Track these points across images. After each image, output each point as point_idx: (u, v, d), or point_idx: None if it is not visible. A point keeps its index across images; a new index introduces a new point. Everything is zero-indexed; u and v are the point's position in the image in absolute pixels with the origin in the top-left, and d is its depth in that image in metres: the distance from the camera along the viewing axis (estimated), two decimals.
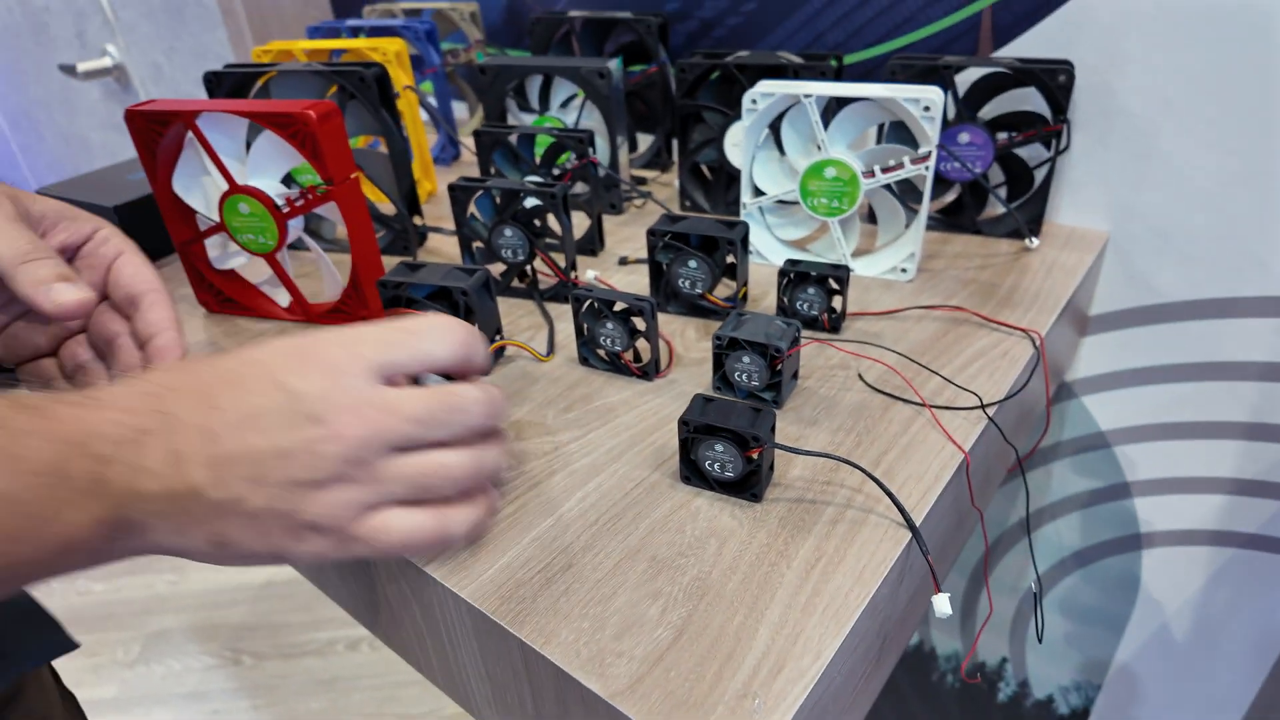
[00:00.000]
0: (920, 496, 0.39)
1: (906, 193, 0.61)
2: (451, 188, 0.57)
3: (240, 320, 0.60)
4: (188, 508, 0.29)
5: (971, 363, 0.49)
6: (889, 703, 1.11)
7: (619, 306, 0.48)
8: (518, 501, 0.40)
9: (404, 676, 1.37)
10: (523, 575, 0.36)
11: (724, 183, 0.71)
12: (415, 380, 0.34)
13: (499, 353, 0.53)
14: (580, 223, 0.68)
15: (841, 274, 0.51)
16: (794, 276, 0.52)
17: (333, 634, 1.46)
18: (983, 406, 0.45)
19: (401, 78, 0.75)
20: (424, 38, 0.86)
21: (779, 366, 0.44)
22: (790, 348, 0.44)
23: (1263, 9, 0.54)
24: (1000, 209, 0.66)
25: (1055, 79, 0.59)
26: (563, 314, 0.57)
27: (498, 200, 0.57)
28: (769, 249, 0.63)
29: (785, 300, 0.53)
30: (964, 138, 0.62)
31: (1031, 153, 0.64)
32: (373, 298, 0.56)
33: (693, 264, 0.53)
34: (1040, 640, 0.87)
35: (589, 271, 0.62)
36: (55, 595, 1.54)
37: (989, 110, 0.63)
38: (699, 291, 0.54)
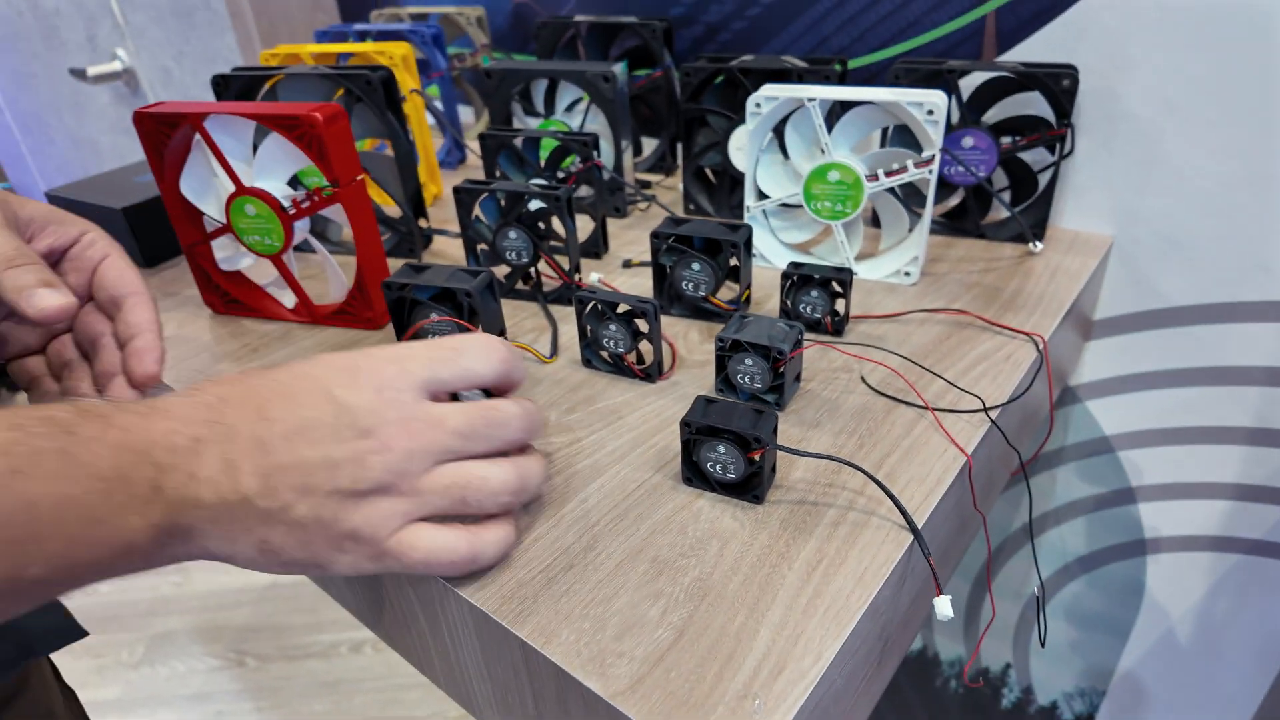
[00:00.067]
0: (922, 499, 0.39)
1: (910, 196, 0.61)
2: (456, 190, 0.58)
3: (246, 321, 0.60)
4: (238, 515, 0.30)
5: (974, 366, 0.49)
6: (892, 707, 1.10)
7: (622, 308, 0.48)
8: None
9: (407, 679, 1.37)
10: (524, 575, 0.36)
11: (728, 186, 0.71)
12: (454, 396, 0.35)
13: None
14: (584, 226, 0.68)
15: (844, 277, 0.51)
16: (797, 279, 0.52)
17: (336, 636, 1.46)
18: (985, 410, 0.45)
19: (408, 81, 0.76)
20: (430, 42, 0.86)
21: (781, 369, 0.44)
22: (793, 350, 0.44)
23: (1267, 13, 0.54)
24: (1004, 213, 0.66)
25: (1059, 83, 0.59)
26: (566, 316, 0.58)
27: (502, 203, 0.57)
28: (772, 252, 0.63)
29: (788, 303, 0.53)
30: (968, 142, 0.62)
31: (1035, 157, 0.64)
32: (377, 299, 0.57)
33: (696, 266, 0.53)
34: (1043, 644, 0.87)
35: (593, 274, 0.63)
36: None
37: (993, 114, 0.63)
38: (702, 294, 0.54)
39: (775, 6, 0.76)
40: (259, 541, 0.31)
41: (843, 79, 0.66)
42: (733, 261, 0.53)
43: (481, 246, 0.60)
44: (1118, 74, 0.61)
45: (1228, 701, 0.79)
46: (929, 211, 0.57)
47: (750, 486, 0.39)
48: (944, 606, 0.36)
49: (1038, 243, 0.63)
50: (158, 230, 0.70)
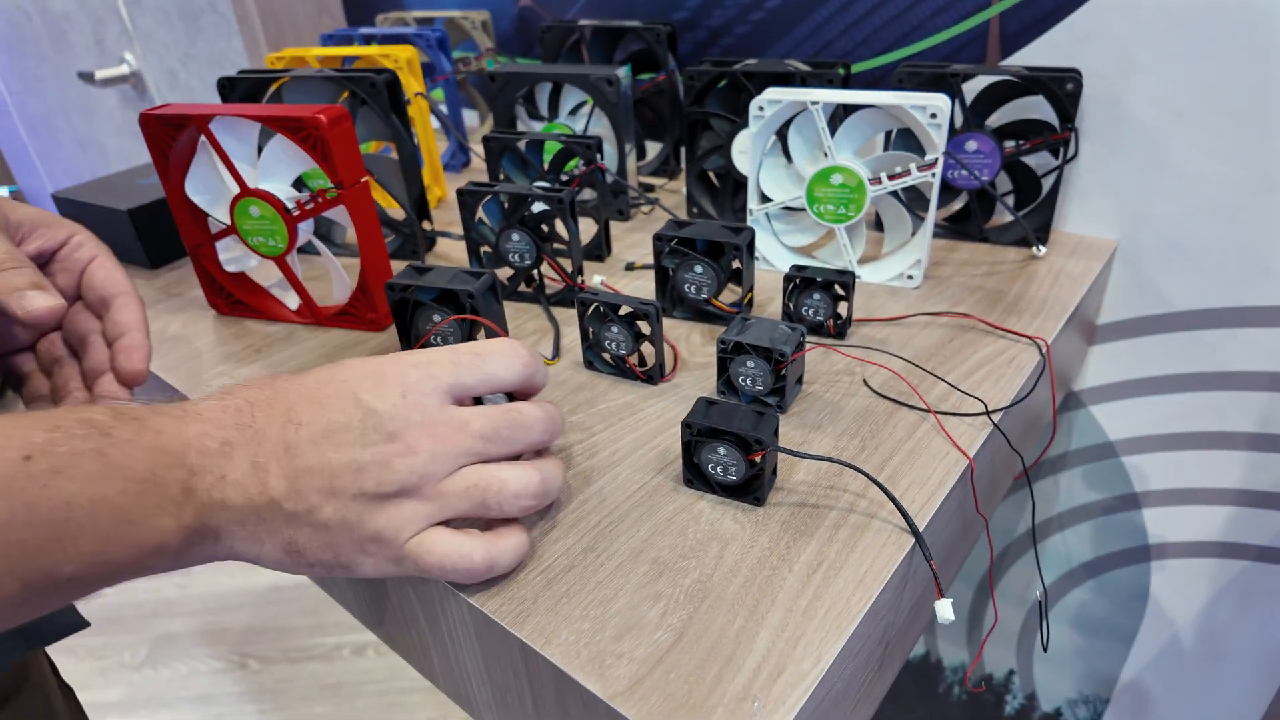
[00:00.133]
0: (924, 502, 0.39)
1: (913, 200, 0.61)
2: (460, 192, 0.58)
3: (249, 322, 0.60)
4: (265, 517, 0.31)
5: (977, 369, 0.49)
6: (895, 712, 1.10)
7: (624, 310, 0.48)
8: None
9: (409, 682, 1.37)
10: (524, 576, 0.36)
11: (731, 190, 0.71)
12: (477, 400, 0.36)
13: None
14: (587, 228, 0.68)
15: (847, 279, 0.51)
16: (799, 282, 0.52)
17: (339, 639, 1.46)
18: (988, 413, 0.45)
19: (412, 84, 0.76)
20: (435, 45, 0.87)
21: (783, 371, 0.44)
22: (794, 352, 0.44)
23: (1272, 18, 0.54)
24: (1007, 217, 0.66)
25: (1063, 87, 0.59)
26: (569, 318, 0.58)
27: (505, 205, 0.57)
28: (775, 255, 0.63)
29: (791, 306, 0.53)
30: (971, 145, 0.62)
31: (1039, 161, 0.64)
32: (380, 301, 0.57)
33: (698, 269, 0.53)
34: (1045, 649, 0.87)
35: (595, 276, 0.63)
36: None
37: (996, 118, 0.63)
38: (704, 296, 0.54)
39: (779, 11, 0.76)
40: (285, 543, 0.31)
41: (846, 83, 0.66)
42: (735, 264, 0.53)
43: (484, 249, 0.60)
44: (1122, 78, 0.61)
45: (1232, 709, 0.78)
46: (932, 215, 0.57)
47: (751, 488, 0.39)
48: (945, 610, 0.36)
49: (1041, 247, 0.63)
50: (163, 232, 0.70)
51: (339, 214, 0.54)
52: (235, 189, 0.54)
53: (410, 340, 0.51)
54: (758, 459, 0.38)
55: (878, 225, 0.67)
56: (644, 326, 0.48)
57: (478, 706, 0.41)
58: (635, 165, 0.78)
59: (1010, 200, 0.65)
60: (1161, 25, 0.58)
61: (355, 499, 0.31)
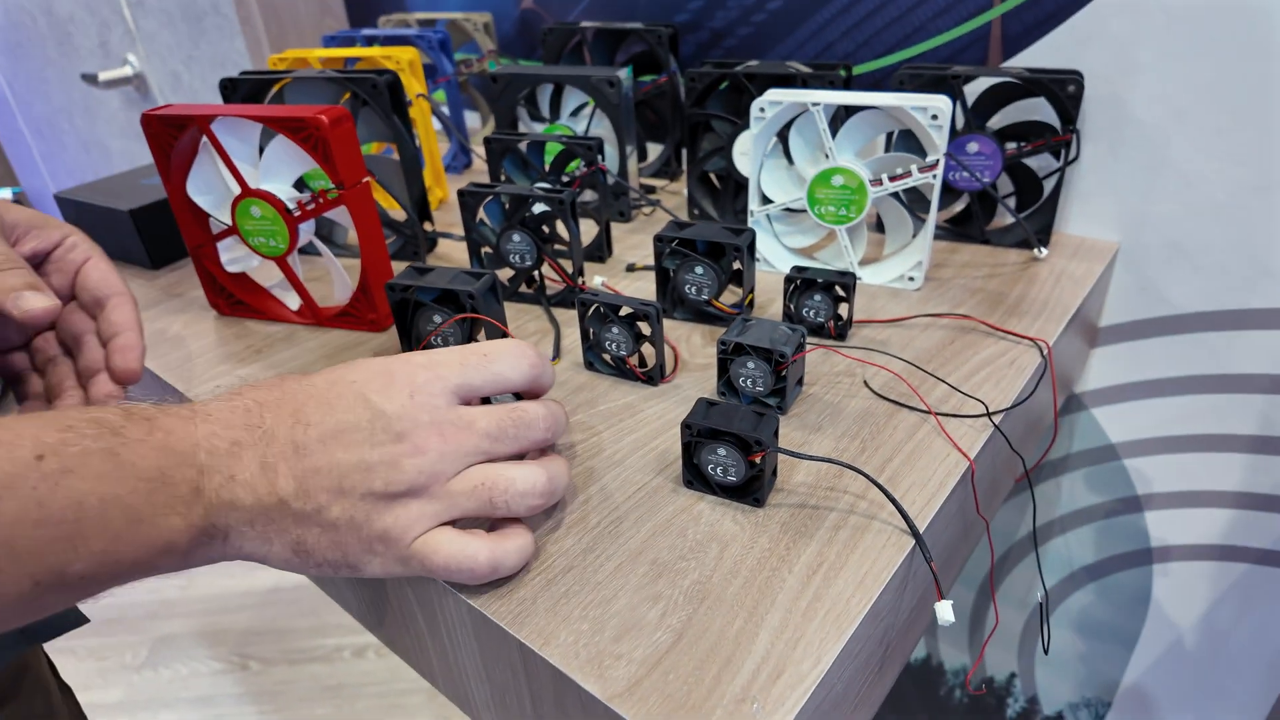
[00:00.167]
0: (924, 503, 0.39)
1: (915, 202, 0.61)
2: (461, 193, 0.58)
3: (250, 323, 0.60)
4: (274, 516, 0.31)
5: (978, 371, 0.49)
6: (896, 715, 1.10)
7: (625, 311, 0.48)
8: None
9: (409, 684, 1.37)
10: (523, 576, 0.36)
11: (732, 191, 0.71)
12: (485, 401, 0.36)
13: None
14: (589, 230, 0.68)
15: (848, 281, 0.51)
16: (800, 283, 0.52)
17: (339, 640, 1.46)
18: (989, 414, 0.45)
19: (414, 86, 0.76)
20: (437, 47, 0.87)
21: (783, 372, 0.44)
22: (795, 353, 0.44)
23: (1272, 17, 0.54)
24: (1009, 219, 0.66)
25: (1064, 89, 0.59)
26: (569, 319, 0.58)
27: (506, 206, 0.57)
28: (776, 257, 0.63)
29: (791, 307, 0.53)
30: (972, 147, 0.62)
31: (1041, 163, 0.64)
32: (381, 301, 0.57)
33: (699, 270, 0.53)
34: (1046, 651, 0.86)
35: (596, 277, 0.63)
36: None
37: (998, 120, 0.63)
38: (705, 298, 0.54)
39: (780, 13, 0.76)
40: (293, 542, 0.32)
41: (848, 84, 0.66)
42: (736, 265, 0.53)
43: (485, 249, 0.60)
44: (1124, 80, 0.61)
45: (1235, 713, 0.78)
46: (933, 216, 0.57)
47: (751, 489, 0.39)
48: (945, 611, 0.35)
49: (1043, 248, 0.63)
50: (164, 232, 0.70)
51: (340, 215, 0.54)
52: (237, 189, 0.54)
53: (411, 341, 0.51)
54: (758, 460, 0.38)
55: (879, 227, 0.67)
56: (644, 327, 0.48)
57: (476, 707, 0.41)
58: (636, 167, 0.78)
59: (1011, 202, 0.65)
60: (1161, 25, 0.58)
61: (364, 499, 0.32)
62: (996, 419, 0.44)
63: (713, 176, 0.73)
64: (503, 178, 0.69)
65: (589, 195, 0.69)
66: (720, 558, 0.36)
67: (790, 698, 0.30)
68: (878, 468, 0.41)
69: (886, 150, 0.64)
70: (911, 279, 0.59)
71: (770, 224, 0.63)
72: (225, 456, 0.30)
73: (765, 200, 0.62)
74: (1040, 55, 0.64)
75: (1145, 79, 0.60)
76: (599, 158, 0.64)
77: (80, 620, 0.47)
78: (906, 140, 0.59)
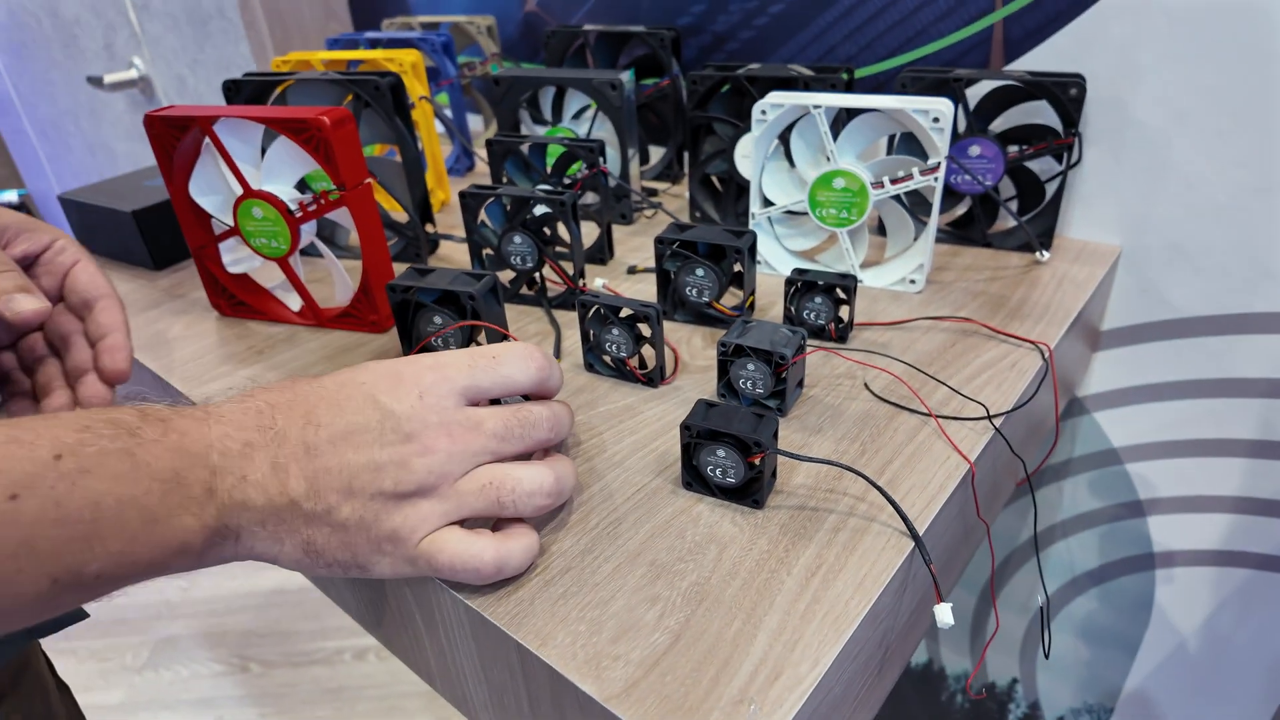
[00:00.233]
0: (924, 506, 0.39)
1: (916, 205, 0.61)
2: (462, 195, 0.58)
3: (251, 323, 0.61)
4: (285, 517, 0.31)
5: (979, 374, 0.49)
6: (897, 719, 1.09)
7: (625, 313, 0.48)
8: None
9: (409, 687, 1.37)
10: (521, 577, 0.35)
11: (734, 194, 0.71)
12: (495, 402, 0.37)
13: None
14: (590, 232, 0.68)
15: (849, 283, 0.51)
16: (801, 286, 0.52)
17: (340, 643, 1.46)
18: (989, 417, 0.45)
19: (417, 88, 0.76)
20: (440, 50, 0.87)
21: (783, 374, 0.44)
22: (795, 355, 0.43)
23: (1273, 19, 0.54)
24: (1011, 222, 0.66)
25: (1066, 92, 0.58)
26: (570, 321, 0.58)
27: (508, 207, 0.58)
28: (777, 259, 0.63)
29: (792, 309, 0.53)
30: (974, 150, 0.62)
31: (1043, 166, 0.64)
32: (382, 302, 0.57)
33: (700, 272, 0.53)
34: (1046, 656, 0.86)
35: (597, 279, 0.63)
36: None
37: (1000, 123, 0.63)
38: (706, 300, 0.54)
39: (782, 16, 0.77)
40: (304, 543, 0.32)
41: (849, 87, 0.66)
42: (737, 267, 0.53)
43: (487, 251, 0.60)
44: (1126, 83, 0.61)
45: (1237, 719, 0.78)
46: (934, 219, 0.57)
47: (750, 491, 0.39)
48: (944, 614, 0.35)
49: (1044, 252, 0.63)
50: (167, 233, 0.70)
51: (342, 216, 0.54)
52: (239, 190, 0.54)
53: (412, 342, 0.51)
54: (757, 461, 0.37)
55: (880, 230, 0.67)
56: (644, 329, 0.48)
57: (474, 708, 0.41)
58: (638, 169, 0.78)
59: (1013, 205, 0.65)
60: (1163, 29, 0.58)
61: (373, 498, 0.32)
62: (997, 422, 0.44)
63: (714, 179, 0.73)
64: (505, 180, 0.69)
65: (591, 198, 0.69)
66: (719, 559, 0.36)
67: (788, 699, 0.30)
68: (877, 470, 0.41)
69: (888, 153, 0.64)
70: (913, 282, 0.59)
71: (772, 226, 0.63)
72: (238, 457, 0.31)
73: (767, 203, 0.62)
74: (1042, 59, 0.64)
75: (1147, 82, 0.60)
76: (600, 160, 0.64)
77: (81, 615, 0.47)
78: (908, 143, 0.59)
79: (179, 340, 0.59)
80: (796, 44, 0.77)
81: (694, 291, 0.54)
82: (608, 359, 0.50)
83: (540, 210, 0.57)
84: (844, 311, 0.52)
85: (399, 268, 0.65)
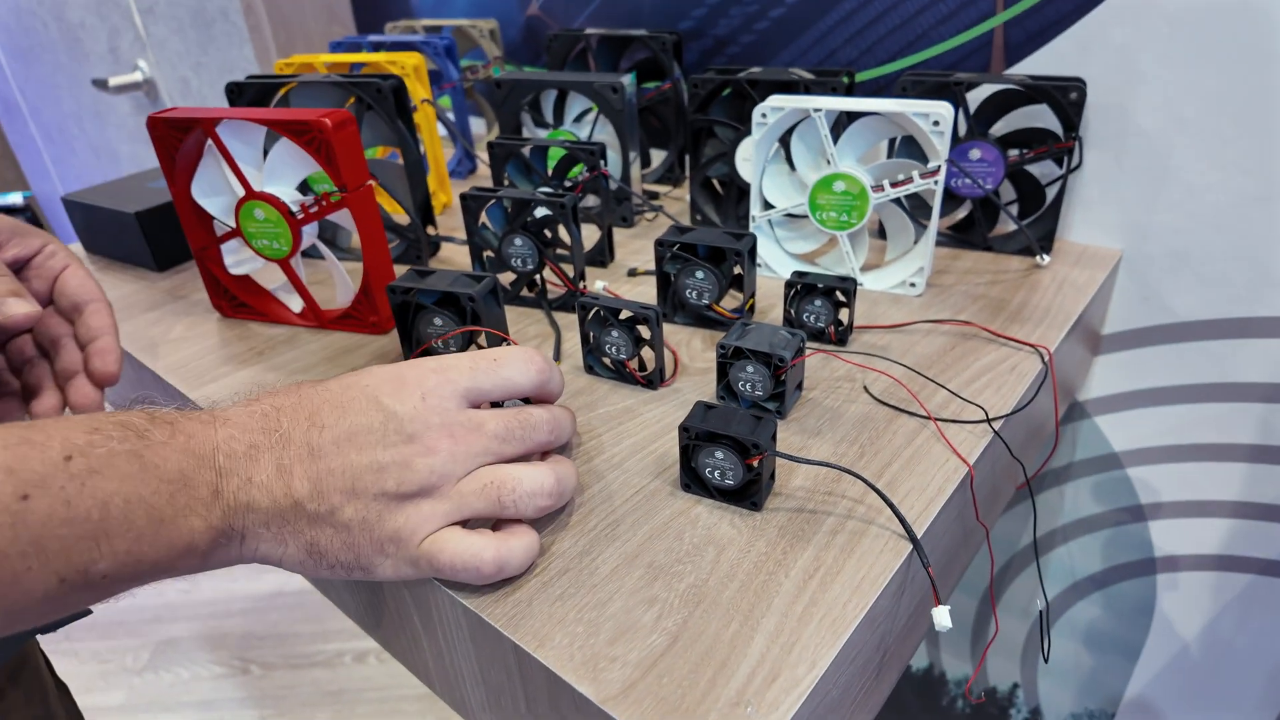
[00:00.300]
0: (923, 508, 0.39)
1: (917, 208, 0.61)
2: (463, 197, 0.58)
3: (253, 325, 0.61)
4: (289, 518, 0.32)
5: (979, 377, 0.49)
6: None
7: (625, 315, 0.48)
8: None
9: (409, 690, 1.37)
10: (519, 578, 0.35)
11: (734, 197, 0.71)
12: (497, 405, 0.37)
13: None
14: (591, 235, 0.68)
15: (848, 286, 0.51)
16: (801, 288, 0.52)
17: (340, 645, 1.46)
18: (988, 420, 0.45)
19: (419, 91, 0.76)
20: (443, 53, 0.87)
21: (783, 377, 0.44)
22: (794, 358, 0.44)
23: (1274, 23, 0.54)
24: (1011, 226, 0.66)
25: (1067, 96, 0.59)
26: (570, 323, 0.58)
27: (509, 210, 0.58)
28: (778, 262, 0.63)
29: (792, 312, 0.53)
30: (975, 154, 0.62)
31: (1043, 170, 0.64)
32: (383, 304, 0.57)
33: (700, 275, 0.53)
34: (1046, 660, 0.86)
35: (598, 282, 0.63)
36: None
37: (1000, 127, 0.63)
38: (706, 302, 0.54)
39: (783, 20, 0.77)
40: (307, 544, 0.32)
41: (850, 91, 0.66)
42: (736, 270, 0.53)
43: (487, 253, 0.60)
44: (1127, 88, 0.61)
45: None
46: (935, 222, 0.57)
47: (748, 493, 0.39)
48: (942, 617, 0.35)
49: (1045, 255, 0.63)
50: (170, 235, 0.71)
51: (344, 218, 0.54)
52: (241, 192, 0.54)
53: (412, 343, 0.51)
54: (755, 464, 0.37)
55: (880, 233, 0.67)
56: (644, 331, 0.48)
57: (472, 709, 0.41)
58: (639, 172, 0.78)
59: (1014, 209, 0.65)
60: (1164, 33, 0.58)
61: (376, 499, 0.32)
62: (996, 425, 0.44)
63: (715, 182, 0.74)
64: (506, 182, 0.70)
65: (592, 200, 0.69)
66: (717, 561, 0.36)
67: (785, 702, 0.30)
68: (876, 473, 0.41)
69: (889, 156, 0.64)
70: (913, 285, 0.59)
71: (772, 229, 0.63)
72: (243, 459, 0.31)
73: (767, 206, 0.62)
74: (1043, 63, 0.64)
75: (1148, 87, 0.60)
76: (601, 163, 0.64)
77: (83, 611, 0.48)
78: (909, 147, 0.59)
79: (180, 341, 0.59)
80: (798, 48, 0.77)
81: (694, 294, 0.54)
82: (607, 361, 0.50)
83: (541, 213, 0.57)
84: (844, 314, 0.52)
85: (400, 269, 0.66)
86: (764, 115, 0.58)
